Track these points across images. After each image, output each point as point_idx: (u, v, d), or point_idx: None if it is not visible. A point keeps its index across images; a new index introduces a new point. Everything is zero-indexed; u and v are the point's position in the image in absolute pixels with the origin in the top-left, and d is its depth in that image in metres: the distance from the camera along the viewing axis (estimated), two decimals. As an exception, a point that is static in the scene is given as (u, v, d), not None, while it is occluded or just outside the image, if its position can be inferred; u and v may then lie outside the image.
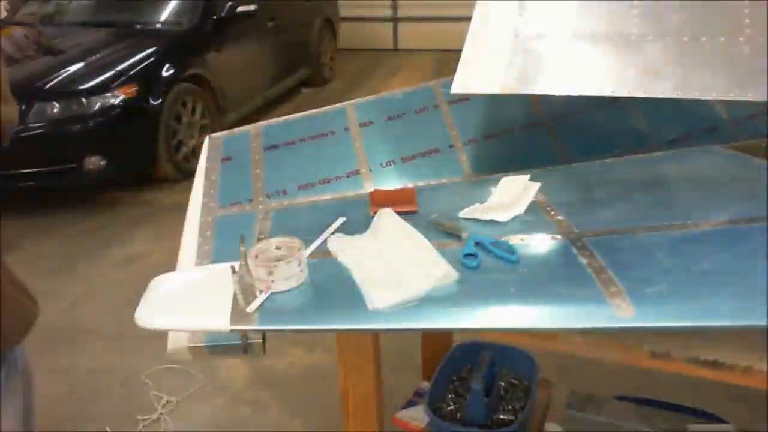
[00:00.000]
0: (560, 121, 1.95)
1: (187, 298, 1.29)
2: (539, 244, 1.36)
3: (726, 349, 1.23)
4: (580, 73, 1.41)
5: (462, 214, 1.48)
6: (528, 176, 1.63)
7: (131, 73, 4.51)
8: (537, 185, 1.56)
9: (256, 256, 1.27)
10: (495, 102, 1.94)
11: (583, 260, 1.24)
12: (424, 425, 2.04)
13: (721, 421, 1.91)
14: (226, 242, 1.53)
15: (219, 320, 1.17)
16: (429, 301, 1.19)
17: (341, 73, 7.86)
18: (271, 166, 1.81)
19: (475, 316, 1.15)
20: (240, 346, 1.28)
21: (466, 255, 1.29)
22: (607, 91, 1.38)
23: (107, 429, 2.55)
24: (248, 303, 1.19)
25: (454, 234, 1.39)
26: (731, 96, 1.31)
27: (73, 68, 4.49)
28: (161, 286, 1.32)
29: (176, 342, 1.33)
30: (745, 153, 1.78)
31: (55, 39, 5.08)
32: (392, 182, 1.77)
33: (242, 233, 1.39)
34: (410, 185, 1.75)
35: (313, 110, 1.99)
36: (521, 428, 1.77)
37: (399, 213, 1.49)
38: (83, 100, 4.28)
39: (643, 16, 1.39)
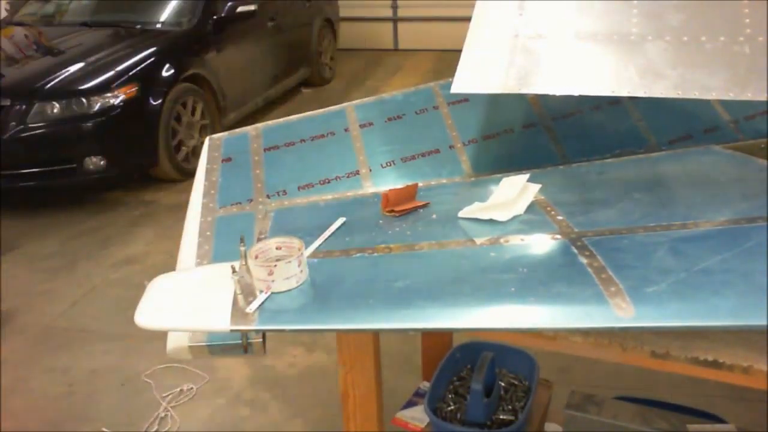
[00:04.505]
0: (560, 121, 1.95)
1: (187, 298, 1.29)
2: (539, 244, 1.36)
3: (726, 349, 1.23)
4: (580, 73, 1.41)
5: (462, 213, 1.47)
6: (528, 176, 1.63)
7: (131, 73, 4.51)
8: (537, 186, 1.56)
9: (256, 256, 1.27)
10: (495, 102, 1.94)
11: (583, 260, 1.24)
12: (424, 425, 2.04)
13: (721, 421, 1.91)
14: (226, 242, 1.54)
15: (219, 320, 1.17)
16: (429, 300, 1.19)
17: (341, 73, 7.86)
18: (271, 167, 1.81)
19: (475, 316, 1.15)
20: (240, 345, 1.28)
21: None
22: (607, 91, 1.38)
23: (104, 430, 2.54)
24: (248, 303, 1.19)
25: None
26: (731, 95, 1.31)
27: (73, 68, 4.49)
28: (161, 286, 1.32)
29: (176, 342, 1.33)
30: (745, 153, 1.78)
31: (55, 39, 5.11)
32: (392, 182, 1.77)
33: (242, 233, 1.39)
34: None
35: (313, 111, 1.99)
36: (521, 428, 1.77)
37: (414, 209, 1.54)
38: (83, 100, 4.28)
39: (643, 16, 1.39)
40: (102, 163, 4.34)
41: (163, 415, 2.61)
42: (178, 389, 2.73)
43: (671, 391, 2.23)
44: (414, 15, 8.84)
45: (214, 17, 5.34)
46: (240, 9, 5.49)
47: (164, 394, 2.71)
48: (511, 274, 1.24)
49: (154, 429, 2.55)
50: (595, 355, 1.36)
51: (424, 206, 1.57)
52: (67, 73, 4.43)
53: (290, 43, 6.59)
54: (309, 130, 1.91)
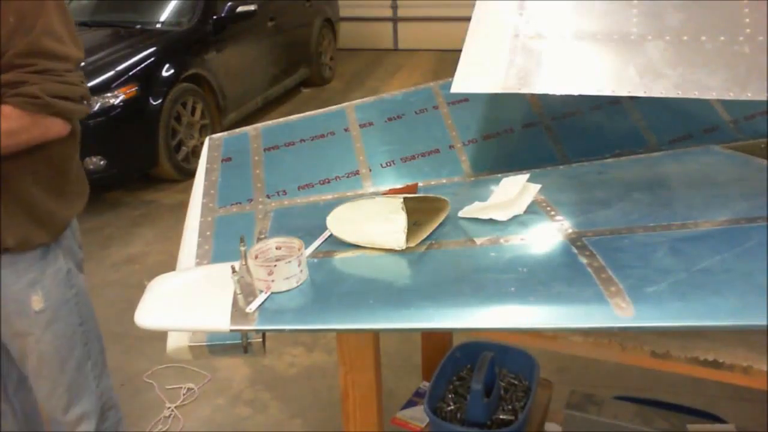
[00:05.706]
0: (560, 121, 1.95)
1: (187, 298, 1.29)
2: (539, 244, 1.36)
3: (726, 349, 1.23)
4: (580, 72, 1.41)
5: (462, 213, 1.47)
6: (528, 176, 1.63)
7: (131, 73, 4.51)
8: (537, 186, 1.56)
9: (256, 256, 1.27)
10: (495, 102, 1.94)
11: (583, 260, 1.24)
12: (424, 425, 2.04)
13: (721, 421, 1.91)
14: (226, 242, 1.54)
15: (219, 320, 1.17)
16: (429, 300, 1.19)
17: (341, 73, 7.86)
18: (271, 167, 1.81)
19: (475, 316, 1.15)
20: (240, 345, 1.28)
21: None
22: (607, 91, 1.38)
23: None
24: (248, 303, 1.19)
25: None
26: (731, 95, 1.31)
27: (72, 68, 4.49)
28: (161, 286, 1.32)
29: (176, 342, 1.33)
30: (745, 153, 1.78)
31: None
32: (392, 182, 1.77)
33: (242, 233, 1.39)
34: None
35: (313, 111, 1.99)
36: (521, 428, 1.77)
37: None
38: (83, 100, 4.28)
39: (643, 16, 1.39)
40: (102, 163, 4.33)
41: (167, 414, 2.61)
42: (185, 388, 2.74)
43: (671, 391, 2.23)
44: (414, 15, 8.85)
45: (214, 17, 5.34)
46: (240, 9, 5.49)
47: (168, 388, 2.72)
48: (511, 274, 1.24)
49: (158, 429, 2.55)
50: (595, 355, 1.36)
51: None
52: (67, 73, 4.43)
53: (290, 43, 6.59)
54: (309, 130, 1.91)
